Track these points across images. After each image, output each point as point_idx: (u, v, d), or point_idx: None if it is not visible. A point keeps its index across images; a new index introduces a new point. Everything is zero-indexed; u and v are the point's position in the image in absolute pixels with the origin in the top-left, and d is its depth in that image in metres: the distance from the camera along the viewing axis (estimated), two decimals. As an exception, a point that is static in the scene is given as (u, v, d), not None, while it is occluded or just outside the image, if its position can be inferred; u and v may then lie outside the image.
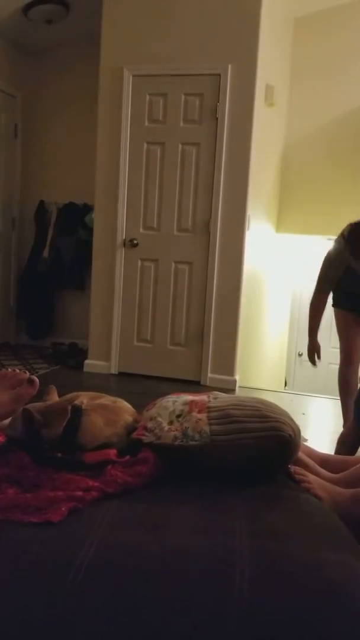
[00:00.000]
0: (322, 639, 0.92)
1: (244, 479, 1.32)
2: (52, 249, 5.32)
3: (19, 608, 0.94)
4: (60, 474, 1.26)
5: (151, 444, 1.36)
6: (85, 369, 4.64)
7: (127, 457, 1.34)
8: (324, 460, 1.64)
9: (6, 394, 1.35)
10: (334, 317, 3.31)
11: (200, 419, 1.36)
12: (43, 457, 1.32)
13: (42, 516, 1.12)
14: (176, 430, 1.36)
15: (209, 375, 4.39)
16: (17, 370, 1.43)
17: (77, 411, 1.38)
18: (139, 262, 4.48)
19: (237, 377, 4.38)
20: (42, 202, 5.42)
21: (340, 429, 3.09)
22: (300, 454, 1.50)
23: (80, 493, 1.19)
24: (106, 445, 1.36)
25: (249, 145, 4.18)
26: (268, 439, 1.32)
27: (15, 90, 5.31)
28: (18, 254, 5.54)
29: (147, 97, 4.33)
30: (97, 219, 4.57)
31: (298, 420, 1.46)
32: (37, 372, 4.49)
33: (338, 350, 3.31)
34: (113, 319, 4.55)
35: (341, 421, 3.23)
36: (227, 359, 4.37)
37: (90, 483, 1.23)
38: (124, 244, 4.47)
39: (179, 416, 1.39)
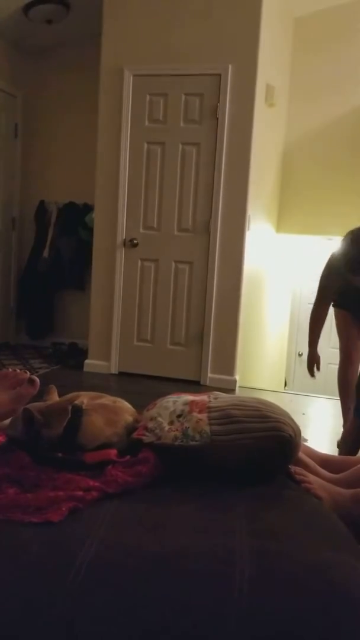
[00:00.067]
0: (322, 639, 0.91)
1: (244, 479, 1.32)
2: (52, 249, 5.31)
3: (19, 608, 0.94)
4: (60, 473, 1.26)
5: (151, 444, 1.36)
6: (85, 368, 4.64)
7: (128, 457, 1.34)
8: (324, 461, 1.64)
9: (6, 394, 1.35)
10: (334, 317, 3.30)
11: (200, 419, 1.36)
12: (43, 457, 1.32)
13: (43, 516, 1.12)
14: (176, 430, 1.36)
15: (209, 375, 4.39)
16: (18, 370, 1.42)
17: (78, 411, 1.38)
18: (139, 262, 4.48)
19: (237, 377, 4.38)
20: (42, 202, 5.42)
21: (341, 429, 3.10)
22: (301, 454, 1.51)
23: (80, 493, 1.19)
24: (106, 445, 1.36)
25: (249, 146, 4.18)
26: (268, 439, 1.32)
27: (16, 90, 5.31)
28: (18, 254, 5.54)
29: (148, 97, 4.32)
30: (97, 218, 4.56)
31: (298, 420, 1.46)
32: (37, 372, 4.49)
33: (338, 350, 3.31)
34: (113, 319, 4.55)
35: (341, 421, 3.23)
36: (227, 359, 4.37)
37: (91, 483, 1.23)
38: (124, 244, 4.47)
39: (179, 416, 1.39)
